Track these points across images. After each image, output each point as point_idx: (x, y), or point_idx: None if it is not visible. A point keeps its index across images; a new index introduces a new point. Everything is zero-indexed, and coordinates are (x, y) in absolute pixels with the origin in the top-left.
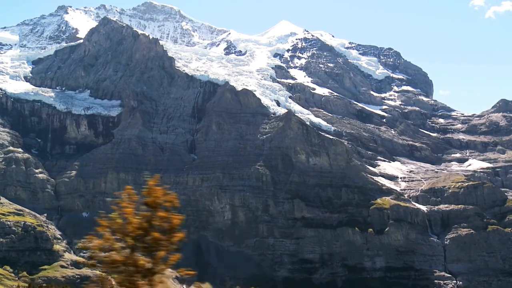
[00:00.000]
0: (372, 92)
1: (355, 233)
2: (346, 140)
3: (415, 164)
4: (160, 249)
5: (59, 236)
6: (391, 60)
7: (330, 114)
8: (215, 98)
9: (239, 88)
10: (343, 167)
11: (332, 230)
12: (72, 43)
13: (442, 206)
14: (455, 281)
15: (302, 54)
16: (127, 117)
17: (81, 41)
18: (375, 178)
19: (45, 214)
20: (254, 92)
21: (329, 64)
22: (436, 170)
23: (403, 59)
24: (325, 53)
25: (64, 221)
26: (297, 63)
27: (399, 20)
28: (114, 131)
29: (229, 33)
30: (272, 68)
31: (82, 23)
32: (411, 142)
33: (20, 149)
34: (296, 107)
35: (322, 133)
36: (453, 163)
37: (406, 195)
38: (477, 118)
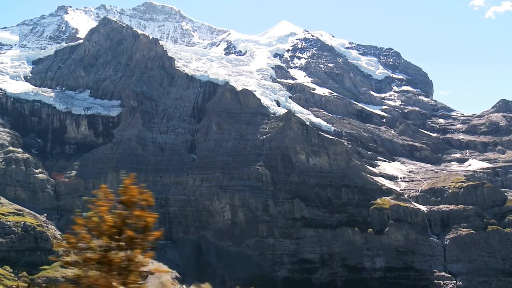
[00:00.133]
0: (372, 92)
1: (355, 233)
2: (346, 140)
3: (415, 164)
4: (135, 248)
5: (59, 236)
6: (391, 60)
7: (330, 114)
8: (215, 98)
9: (239, 88)
10: (343, 167)
11: (332, 230)
12: (72, 43)
13: (442, 206)
14: (455, 281)
15: (302, 54)
16: (127, 117)
17: (81, 41)
18: (375, 178)
19: (45, 214)
20: (254, 92)
21: (329, 64)
22: (436, 170)
23: (403, 59)
24: (325, 53)
25: (64, 221)
26: (297, 63)
27: (399, 20)
28: (114, 131)
29: (229, 33)
30: (272, 68)
31: (82, 23)
32: (411, 142)
33: (20, 149)
34: (296, 107)
35: (322, 133)
36: (453, 163)
37: (406, 195)
38: (477, 118)
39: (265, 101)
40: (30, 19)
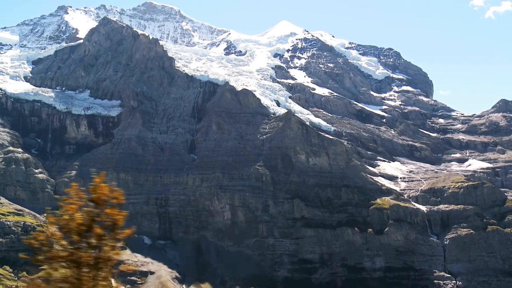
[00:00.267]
0: (372, 92)
1: (355, 233)
2: (346, 140)
3: (415, 164)
4: (105, 245)
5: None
6: (391, 60)
7: (330, 114)
8: (215, 98)
9: (239, 88)
10: (342, 167)
11: (332, 230)
12: (72, 43)
13: (442, 206)
14: (454, 281)
15: (302, 54)
16: (127, 117)
17: (81, 41)
18: (375, 178)
19: (45, 214)
20: (254, 92)
21: (329, 64)
22: (436, 170)
23: (403, 59)
24: (325, 53)
25: None
26: (297, 63)
27: (399, 20)
28: (114, 131)
29: (229, 33)
30: (272, 68)
31: (82, 23)
32: (411, 142)
33: (20, 149)
34: (296, 107)
35: (322, 133)
36: (453, 163)
37: (405, 195)
38: (477, 118)
39: (265, 101)
40: (30, 19)
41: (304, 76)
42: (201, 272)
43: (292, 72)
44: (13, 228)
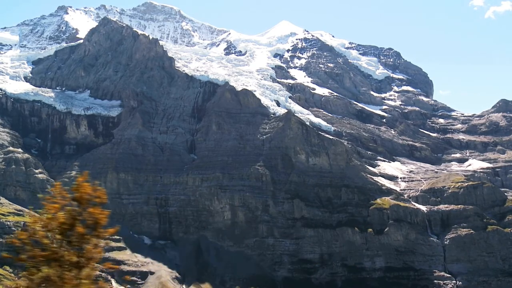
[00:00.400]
0: (372, 92)
1: (355, 233)
2: (346, 140)
3: (415, 164)
4: (86, 244)
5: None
6: (391, 60)
7: (330, 114)
8: (215, 98)
9: (239, 88)
10: (342, 167)
11: (332, 230)
12: (72, 43)
13: (442, 206)
14: (454, 281)
15: (302, 54)
16: (127, 117)
17: (81, 41)
18: (375, 178)
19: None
20: (254, 92)
21: (329, 64)
22: (436, 170)
23: (403, 59)
24: (325, 53)
25: None
26: (297, 63)
27: (399, 20)
28: (114, 131)
29: (229, 33)
30: (272, 68)
31: (82, 23)
32: (411, 142)
33: (20, 149)
34: (296, 107)
35: (322, 133)
36: (453, 163)
37: (406, 195)
38: (477, 118)
39: (265, 101)
40: (30, 19)
41: (304, 76)
42: (201, 272)
43: (292, 72)
44: (13, 228)
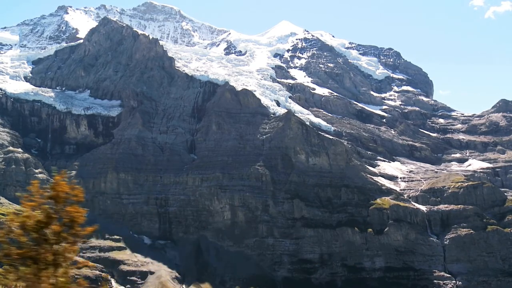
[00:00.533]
0: (372, 92)
1: (355, 233)
2: (346, 140)
3: (415, 164)
4: (63, 242)
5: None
6: (391, 60)
7: (330, 114)
8: (215, 98)
9: (239, 88)
10: (342, 167)
11: (332, 230)
12: (72, 43)
13: (442, 206)
14: (454, 281)
15: (302, 54)
16: (127, 117)
17: (81, 41)
18: (375, 178)
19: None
20: (254, 92)
21: (329, 64)
22: (436, 170)
23: (403, 59)
24: (325, 53)
25: None
26: (297, 63)
27: (399, 20)
28: (114, 131)
29: (229, 33)
30: (272, 68)
31: (82, 23)
32: (411, 142)
33: (20, 149)
34: (296, 107)
35: (322, 133)
36: (453, 163)
37: (405, 195)
38: (477, 118)
39: (265, 101)
40: (30, 19)
41: (304, 76)
42: (201, 272)
43: (292, 72)
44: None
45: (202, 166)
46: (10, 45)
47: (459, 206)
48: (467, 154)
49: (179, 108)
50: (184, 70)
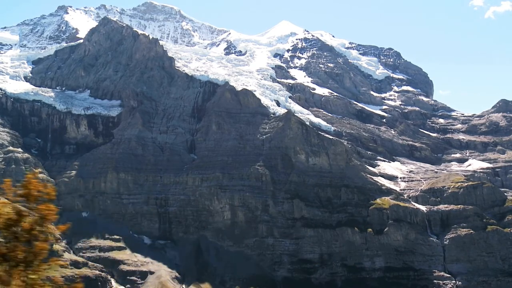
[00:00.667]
0: (372, 92)
1: (355, 233)
2: (346, 140)
3: (415, 164)
4: (33, 240)
5: (59, 236)
6: (391, 60)
7: (330, 114)
8: (215, 98)
9: (239, 88)
10: (342, 167)
11: (332, 230)
12: (72, 43)
13: (442, 206)
14: (454, 281)
15: (302, 54)
16: (127, 117)
17: (81, 41)
18: (375, 178)
19: None
20: (254, 92)
21: (329, 64)
22: (436, 170)
23: (403, 59)
24: (325, 53)
25: (64, 221)
26: (297, 63)
27: (399, 20)
28: (114, 131)
29: (229, 33)
30: (272, 68)
31: (82, 23)
32: (411, 142)
33: (20, 149)
34: (296, 107)
35: (322, 133)
36: (453, 163)
37: (405, 195)
38: (477, 118)
39: (265, 101)
40: (30, 19)
41: (304, 76)
42: (201, 272)
43: (292, 72)
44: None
45: (202, 166)
46: (10, 45)
47: (459, 206)
48: (467, 154)
49: (179, 108)
50: (184, 70)
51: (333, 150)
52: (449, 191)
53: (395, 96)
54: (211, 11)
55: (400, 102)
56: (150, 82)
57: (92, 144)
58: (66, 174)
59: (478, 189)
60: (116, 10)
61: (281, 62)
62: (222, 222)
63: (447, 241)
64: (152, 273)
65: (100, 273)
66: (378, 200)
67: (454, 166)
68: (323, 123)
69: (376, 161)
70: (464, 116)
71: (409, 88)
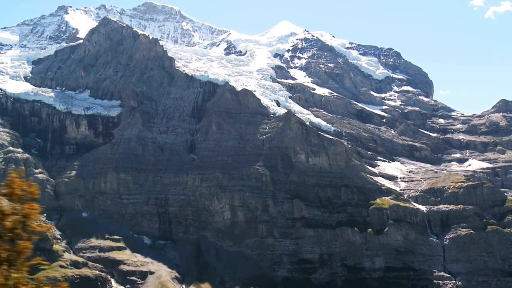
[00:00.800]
0: (372, 92)
1: (355, 233)
2: (346, 140)
3: (415, 164)
4: (16, 239)
5: (59, 236)
6: (391, 60)
7: (330, 114)
8: (215, 98)
9: (239, 88)
10: (342, 167)
11: (332, 230)
12: (72, 43)
13: (442, 206)
14: (454, 281)
15: (302, 54)
16: (127, 117)
17: (81, 41)
18: (375, 178)
19: (45, 214)
20: (254, 92)
21: (329, 64)
22: (436, 170)
23: (403, 59)
24: (325, 53)
25: (64, 221)
26: (297, 63)
27: (399, 20)
28: (114, 131)
29: (229, 33)
30: (272, 68)
31: (82, 23)
32: (411, 142)
33: (20, 149)
34: (296, 107)
35: (322, 133)
36: (453, 163)
37: (405, 195)
38: (477, 118)
39: (265, 101)
40: (30, 19)
41: (304, 76)
42: (201, 272)
43: (292, 72)
44: None
45: (202, 166)
46: (10, 45)
47: (459, 206)
48: (467, 154)
49: (179, 108)
50: (184, 70)
51: (333, 150)
52: (449, 191)
53: (395, 96)
54: (211, 11)
55: (400, 102)
56: (150, 82)
57: (92, 144)
58: (66, 174)
59: (478, 189)
60: (116, 10)
61: (281, 62)
62: (222, 222)
63: (447, 241)
64: (152, 273)
65: (100, 273)
66: (378, 200)
67: (454, 166)
68: (323, 123)
69: (376, 161)
70: (464, 116)
71: (409, 88)
